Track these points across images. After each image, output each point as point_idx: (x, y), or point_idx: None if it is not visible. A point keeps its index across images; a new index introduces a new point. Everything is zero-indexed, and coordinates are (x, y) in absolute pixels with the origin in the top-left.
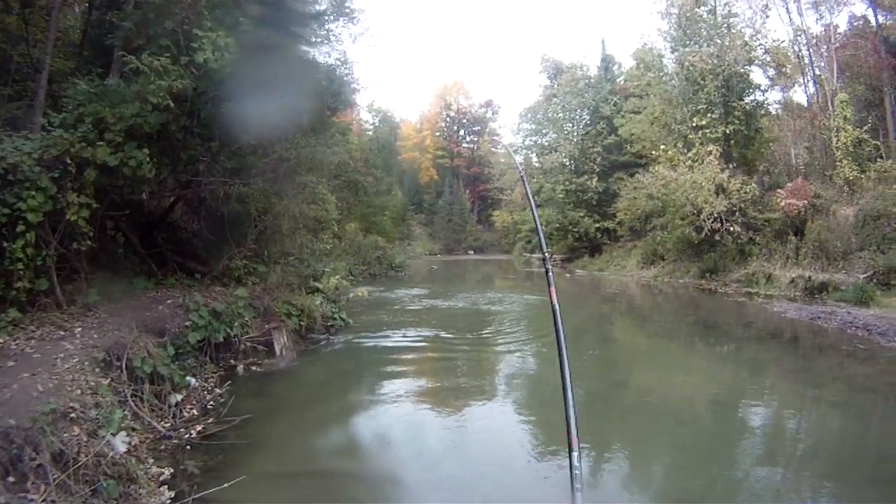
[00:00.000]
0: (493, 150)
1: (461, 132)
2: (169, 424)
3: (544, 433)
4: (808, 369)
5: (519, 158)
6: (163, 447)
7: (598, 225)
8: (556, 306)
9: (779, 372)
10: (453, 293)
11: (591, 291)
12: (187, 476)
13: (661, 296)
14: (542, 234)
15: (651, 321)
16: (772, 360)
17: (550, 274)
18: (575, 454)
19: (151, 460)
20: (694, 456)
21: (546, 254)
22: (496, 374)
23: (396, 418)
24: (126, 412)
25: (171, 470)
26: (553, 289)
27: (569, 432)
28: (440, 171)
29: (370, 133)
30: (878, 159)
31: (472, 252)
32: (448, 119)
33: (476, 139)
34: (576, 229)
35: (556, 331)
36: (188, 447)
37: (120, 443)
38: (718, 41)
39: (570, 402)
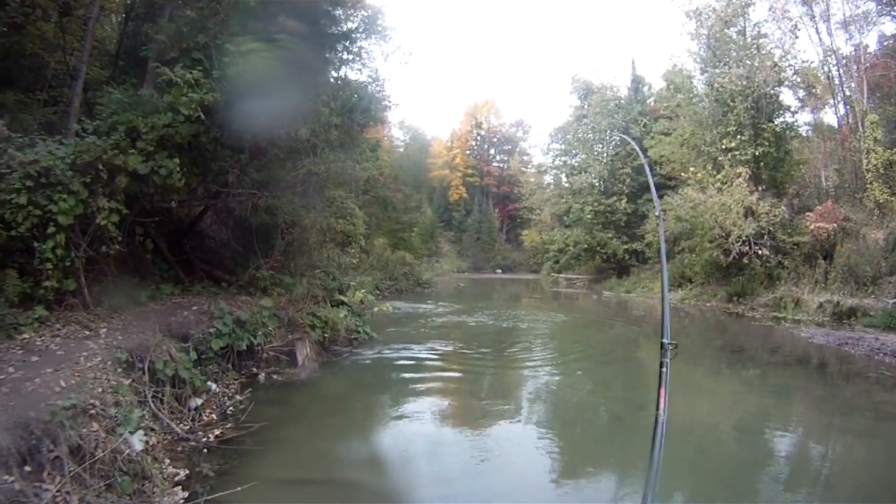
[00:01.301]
0: (524, 169)
1: (491, 151)
2: (188, 427)
3: (564, 457)
4: (835, 396)
5: (548, 178)
6: (180, 449)
7: (626, 246)
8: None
9: (805, 399)
10: (479, 310)
11: (618, 313)
12: (202, 478)
13: (688, 319)
14: (666, 314)
15: (678, 344)
16: (798, 387)
17: (665, 369)
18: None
19: (168, 460)
20: (716, 483)
21: (667, 344)
22: (518, 394)
23: (414, 433)
24: (145, 412)
25: (187, 471)
26: (663, 391)
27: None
28: (470, 190)
29: (401, 150)
30: None
31: (499, 271)
32: (478, 137)
33: (506, 158)
34: (604, 250)
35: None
36: (205, 450)
37: (137, 441)
38: (748, 62)
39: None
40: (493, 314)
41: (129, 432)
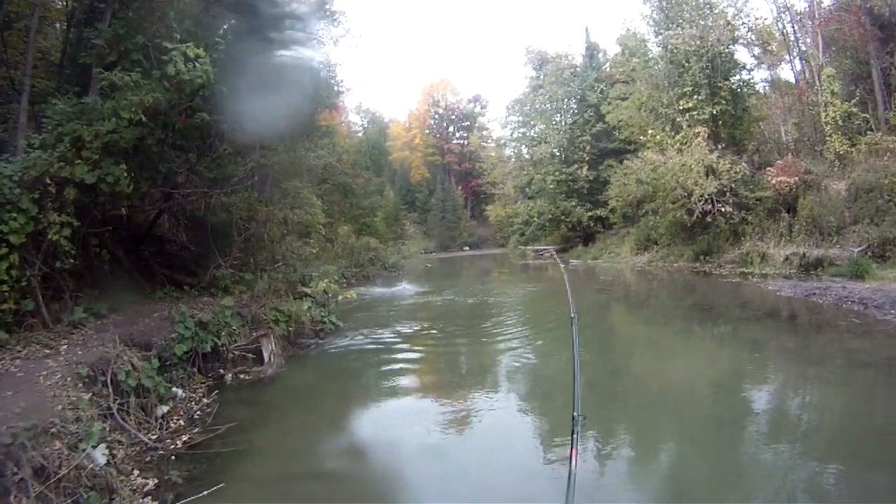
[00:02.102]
0: (484, 144)
1: (451, 129)
2: (155, 436)
3: (544, 431)
4: (806, 347)
5: (508, 151)
6: (148, 458)
7: (590, 214)
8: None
9: (777, 351)
10: (447, 289)
11: (586, 280)
12: (171, 486)
13: (656, 281)
14: (577, 385)
15: (646, 306)
16: (769, 340)
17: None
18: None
19: (137, 471)
20: (694, 442)
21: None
22: (491, 370)
23: (383, 421)
24: (107, 426)
25: (156, 480)
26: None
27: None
28: (431, 169)
29: (359, 135)
30: (868, 132)
31: (467, 248)
32: (437, 116)
33: (466, 135)
34: (568, 219)
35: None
36: (173, 458)
37: (100, 455)
38: (701, 22)
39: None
40: (461, 292)
41: (92, 447)
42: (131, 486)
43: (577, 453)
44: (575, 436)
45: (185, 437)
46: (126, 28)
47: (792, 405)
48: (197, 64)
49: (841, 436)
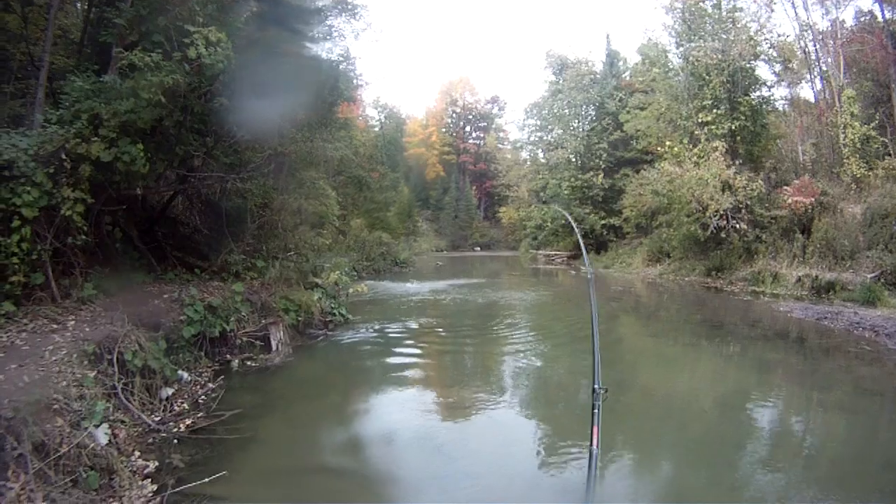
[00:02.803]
0: (500, 146)
1: (467, 128)
2: (159, 418)
3: (546, 438)
4: (815, 371)
5: (524, 154)
6: (150, 440)
7: (603, 222)
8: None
9: (784, 373)
10: (457, 289)
11: (597, 288)
12: (172, 470)
13: (667, 293)
14: (597, 358)
15: (656, 319)
16: (778, 362)
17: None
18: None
19: (138, 453)
20: (696, 460)
21: (598, 388)
22: (498, 374)
23: (389, 415)
24: (111, 405)
25: (157, 463)
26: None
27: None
28: (446, 168)
29: (376, 129)
30: (886, 157)
31: (478, 248)
32: (454, 115)
33: (482, 135)
34: (581, 226)
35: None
36: (176, 441)
37: (102, 435)
38: (723, 36)
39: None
40: (471, 292)
41: (94, 426)
42: (132, 468)
43: (598, 431)
44: (596, 411)
45: (188, 421)
46: (148, 9)
47: (794, 429)
48: (218, 48)
49: (842, 462)
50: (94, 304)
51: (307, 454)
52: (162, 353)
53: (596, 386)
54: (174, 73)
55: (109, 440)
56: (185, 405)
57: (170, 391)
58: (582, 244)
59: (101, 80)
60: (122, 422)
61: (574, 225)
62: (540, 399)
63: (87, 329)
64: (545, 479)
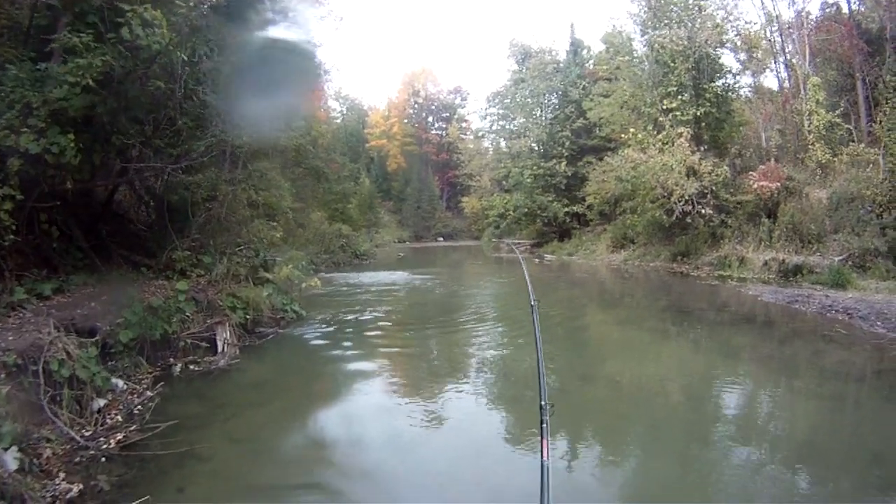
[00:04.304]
0: (463, 136)
1: (430, 119)
2: (89, 433)
3: (514, 433)
4: (788, 356)
5: (486, 143)
6: (78, 459)
7: (567, 209)
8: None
9: (756, 358)
10: (418, 280)
11: (560, 276)
12: (96, 494)
13: (632, 280)
14: (542, 371)
15: (621, 306)
16: (748, 346)
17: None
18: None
19: (63, 474)
20: (665, 451)
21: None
22: (459, 368)
23: (339, 422)
24: (36, 422)
25: (81, 486)
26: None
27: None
28: (409, 159)
29: (338, 121)
30: (850, 143)
31: (441, 239)
32: (416, 106)
33: (445, 126)
34: (544, 214)
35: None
36: (104, 459)
37: (11, 459)
38: (689, 23)
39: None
40: (432, 283)
41: (3, 448)
42: (54, 493)
43: (548, 444)
44: (545, 426)
45: (119, 436)
46: None
47: (766, 418)
48: (156, 29)
49: (821, 452)
50: (25, 309)
51: (250, 469)
52: (93, 360)
53: (542, 402)
54: (105, 55)
55: (22, 464)
56: (119, 417)
57: (102, 402)
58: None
59: (38, 68)
60: (48, 439)
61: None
62: (502, 388)
63: (11, 337)
64: (515, 470)
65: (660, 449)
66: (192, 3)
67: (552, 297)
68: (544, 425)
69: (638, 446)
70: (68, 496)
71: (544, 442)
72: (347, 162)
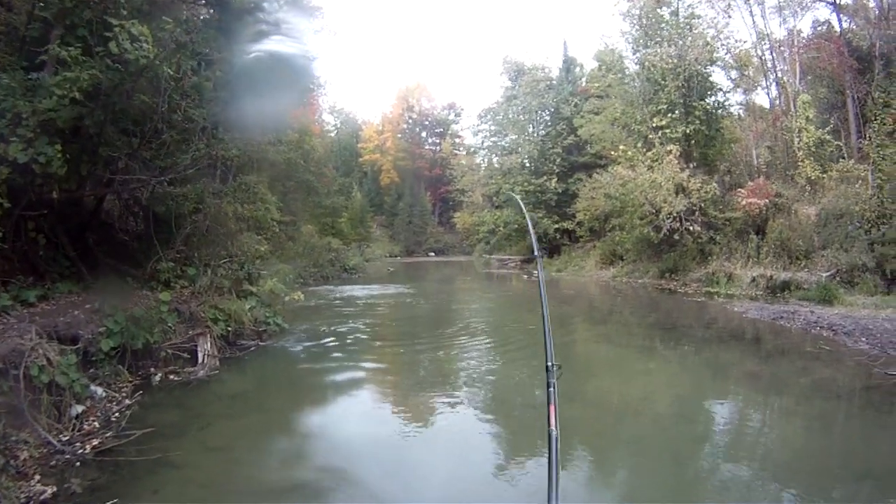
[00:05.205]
0: (456, 152)
1: (423, 134)
2: (67, 438)
3: (504, 445)
4: (772, 374)
5: (478, 159)
6: (54, 463)
7: (557, 226)
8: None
9: (741, 376)
10: (407, 294)
11: (549, 292)
12: (69, 496)
13: (620, 296)
14: (549, 336)
15: (608, 322)
16: (733, 363)
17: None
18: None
19: (38, 477)
20: (651, 468)
21: (552, 366)
22: (448, 381)
23: (315, 434)
24: (18, 423)
25: (54, 489)
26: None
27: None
28: (401, 173)
29: (332, 134)
30: (840, 160)
31: (432, 254)
32: (410, 121)
33: (438, 141)
34: (534, 230)
35: None
36: (78, 463)
37: None
38: (680, 41)
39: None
40: (421, 297)
41: None
42: (28, 494)
43: (556, 411)
44: (551, 390)
45: (95, 441)
46: (74, 1)
47: (751, 435)
48: (143, 44)
49: (803, 470)
50: (9, 315)
51: (223, 477)
52: (73, 367)
53: (549, 363)
54: (93, 68)
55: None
56: (97, 423)
57: (80, 409)
58: (534, 234)
59: (30, 78)
60: (26, 442)
61: (525, 209)
62: (492, 405)
63: None
64: (504, 484)
65: (645, 466)
66: (183, 17)
67: (538, 313)
68: (551, 389)
69: (623, 464)
70: (42, 497)
71: (552, 408)
72: (338, 176)
